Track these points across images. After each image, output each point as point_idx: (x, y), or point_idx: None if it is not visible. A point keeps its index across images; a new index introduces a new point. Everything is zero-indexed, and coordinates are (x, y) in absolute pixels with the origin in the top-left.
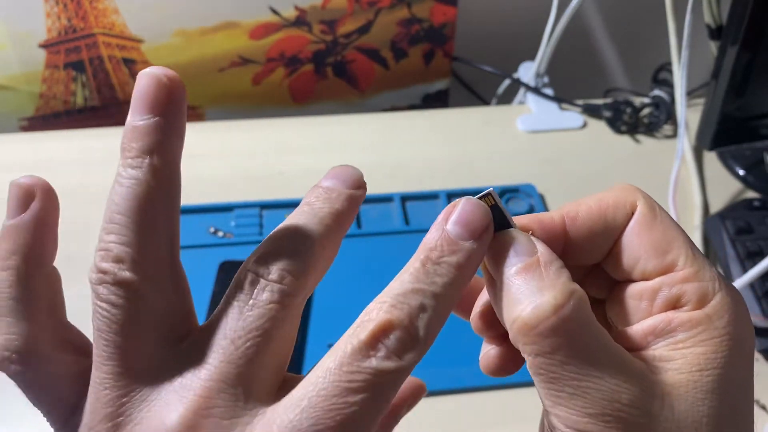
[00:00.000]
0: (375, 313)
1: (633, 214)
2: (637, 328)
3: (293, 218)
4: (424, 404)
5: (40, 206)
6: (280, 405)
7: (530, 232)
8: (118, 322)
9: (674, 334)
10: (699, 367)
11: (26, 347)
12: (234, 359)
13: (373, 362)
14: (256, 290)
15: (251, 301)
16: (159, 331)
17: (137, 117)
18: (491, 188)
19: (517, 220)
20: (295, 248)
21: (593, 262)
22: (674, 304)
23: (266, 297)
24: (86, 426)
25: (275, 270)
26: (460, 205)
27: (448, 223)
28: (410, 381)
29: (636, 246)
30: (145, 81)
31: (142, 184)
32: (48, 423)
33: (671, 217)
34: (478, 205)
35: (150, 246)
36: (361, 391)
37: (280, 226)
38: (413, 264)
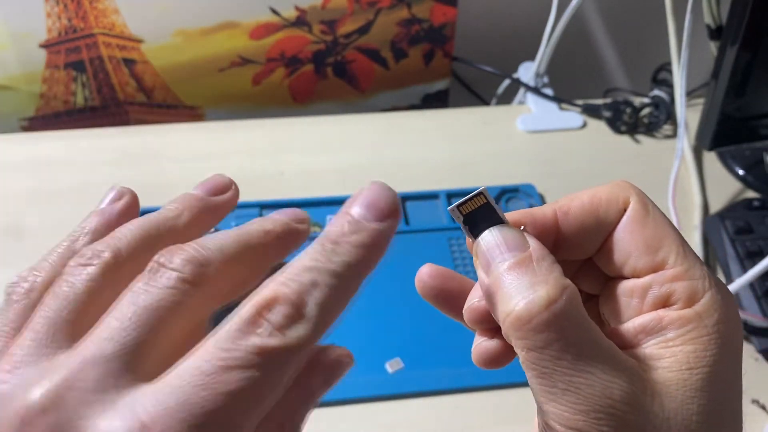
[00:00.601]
0: (261, 291)
1: (626, 210)
2: (628, 326)
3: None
4: (425, 404)
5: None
6: (153, 384)
7: (522, 227)
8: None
9: (664, 333)
10: (689, 365)
11: None
12: (117, 336)
13: (254, 339)
14: (154, 276)
15: (146, 286)
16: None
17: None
18: (483, 187)
19: (509, 215)
20: (206, 245)
21: (585, 257)
22: (664, 302)
23: (162, 282)
24: None
25: (178, 259)
26: (366, 188)
27: (352, 207)
28: (330, 352)
29: (627, 242)
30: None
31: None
32: None
33: (664, 215)
34: (384, 187)
35: None
36: (239, 369)
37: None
38: (311, 245)
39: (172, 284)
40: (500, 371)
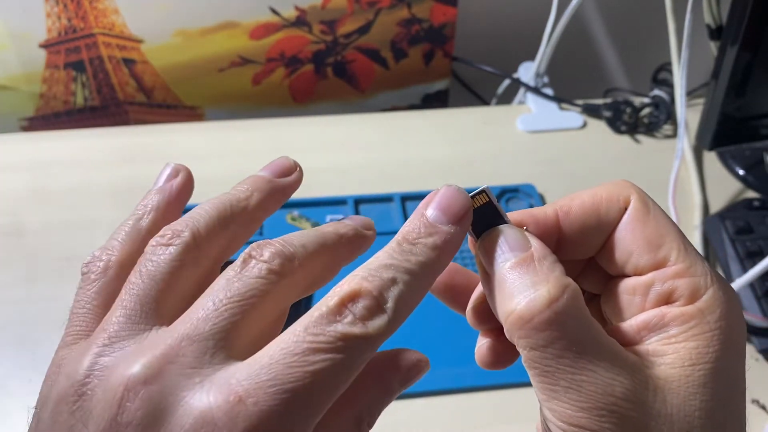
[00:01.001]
0: (346, 284)
1: (626, 209)
2: (630, 323)
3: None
4: (426, 404)
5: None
6: (246, 362)
7: (524, 227)
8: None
9: (667, 329)
10: (691, 361)
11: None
12: (211, 318)
13: (338, 327)
14: (246, 267)
15: (239, 275)
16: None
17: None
18: (486, 185)
19: (511, 215)
20: (292, 241)
21: (587, 257)
22: (667, 299)
23: (254, 272)
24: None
25: (267, 252)
26: (441, 191)
27: (427, 208)
28: (409, 356)
29: (629, 241)
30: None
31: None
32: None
33: (664, 213)
34: (458, 191)
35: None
36: (323, 351)
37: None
38: (390, 244)
39: (263, 275)
40: (501, 371)
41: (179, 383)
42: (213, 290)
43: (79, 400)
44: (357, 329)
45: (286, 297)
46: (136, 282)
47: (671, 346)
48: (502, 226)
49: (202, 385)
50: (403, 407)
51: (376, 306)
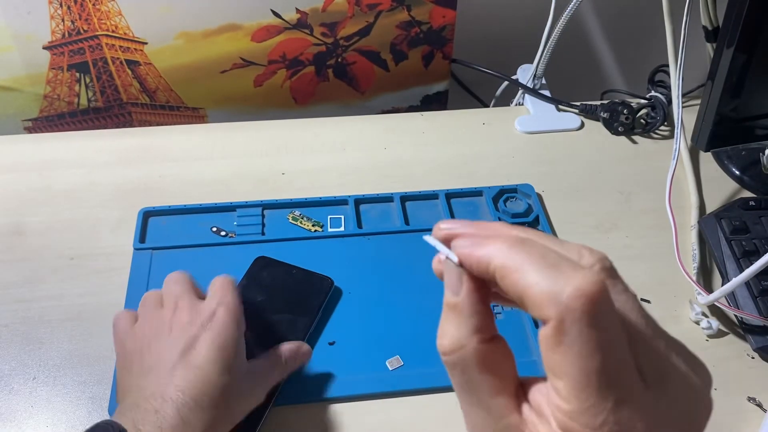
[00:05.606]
0: None
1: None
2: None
3: None
4: (424, 401)
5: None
6: None
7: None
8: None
9: None
10: None
11: None
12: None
13: None
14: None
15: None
16: None
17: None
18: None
19: (459, 251)
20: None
21: None
22: (540, 416)
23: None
24: None
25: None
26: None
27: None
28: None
29: (542, 352)
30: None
31: None
32: None
33: (588, 338)
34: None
35: None
36: None
37: None
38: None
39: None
40: None
41: None
42: None
43: None
44: None
45: None
46: None
47: None
48: (449, 263)
49: None
50: (402, 405)
51: None
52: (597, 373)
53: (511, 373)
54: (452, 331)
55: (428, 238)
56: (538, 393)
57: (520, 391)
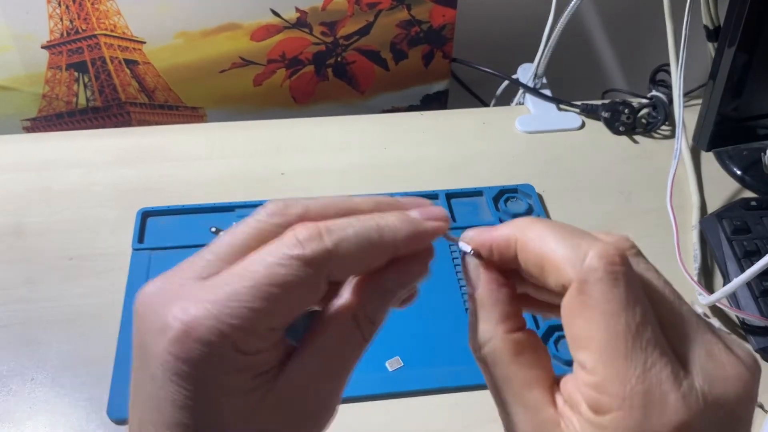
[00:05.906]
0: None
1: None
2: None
3: None
4: (424, 402)
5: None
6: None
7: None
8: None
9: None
10: None
11: None
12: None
13: (285, 249)
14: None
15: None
16: None
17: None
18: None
19: (474, 237)
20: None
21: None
22: (573, 406)
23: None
24: None
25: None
26: (431, 207)
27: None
28: (405, 262)
29: (564, 324)
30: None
31: None
32: None
33: (611, 302)
34: (441, 211)
35: None
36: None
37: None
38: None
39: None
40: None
41: None
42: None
43: None
44: (296, 250)
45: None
46: None
47: None
48: (465, 260)
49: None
50: (402, 405)
51: (317, 234)
52: (623, 335)
53: (545, 365)
54: (479, 325)
55: (445, 237)
56: (569, 383)
57: (555, 386)
